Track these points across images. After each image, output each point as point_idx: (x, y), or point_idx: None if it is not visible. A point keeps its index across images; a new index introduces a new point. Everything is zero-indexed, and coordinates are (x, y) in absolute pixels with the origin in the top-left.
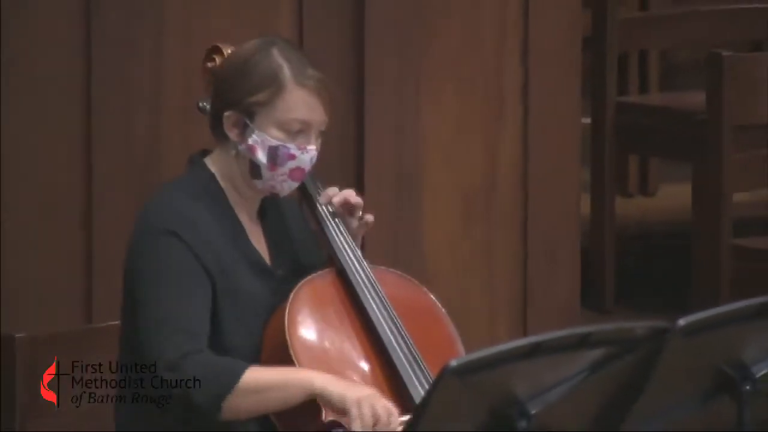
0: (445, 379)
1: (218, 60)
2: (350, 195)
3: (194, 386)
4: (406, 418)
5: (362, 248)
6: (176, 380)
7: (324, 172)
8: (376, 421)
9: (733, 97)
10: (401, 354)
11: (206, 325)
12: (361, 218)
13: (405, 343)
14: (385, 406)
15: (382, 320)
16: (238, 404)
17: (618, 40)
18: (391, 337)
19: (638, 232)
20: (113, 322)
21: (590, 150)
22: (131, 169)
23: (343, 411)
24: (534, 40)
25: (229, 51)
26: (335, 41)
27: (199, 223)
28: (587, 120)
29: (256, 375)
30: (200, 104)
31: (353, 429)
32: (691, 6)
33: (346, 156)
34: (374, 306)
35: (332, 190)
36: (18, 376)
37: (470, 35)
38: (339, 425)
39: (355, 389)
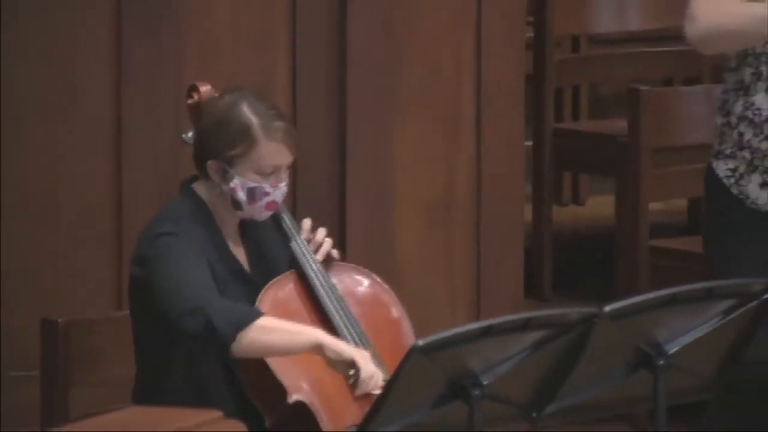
0: (412, 355)
1: (196, 97)
2: (329, 247)
3: (218, 318)
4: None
5: (345, 252)
6: (203, 319)
7: (314, 188)
8: (372, 373)
9: (649, 124)
10: (349, 335)
11: (214, 285)
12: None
13: (352, 325)
14: (375, 367)
15: (334, 310)
16: (252, 338)
17: (555, 77)
18: (340, 322)
19: (571, 235)
20: None
21: (532, 167)
22: (158, 170)
23: (349, 361)
24: (486, 76)
25: (204, 89)
26: (324, 81)
27: (193, 235)
28: (529, 143)
29: (272, 319)
30: (183, 136)
31: (360, 377)
32: (614, 49)
33: (332, 175)
34: (328, 298)
35: (306, 224)
36: (60, 357)
37: (433, 72)
38: (303, 406)
39: (352, 348)
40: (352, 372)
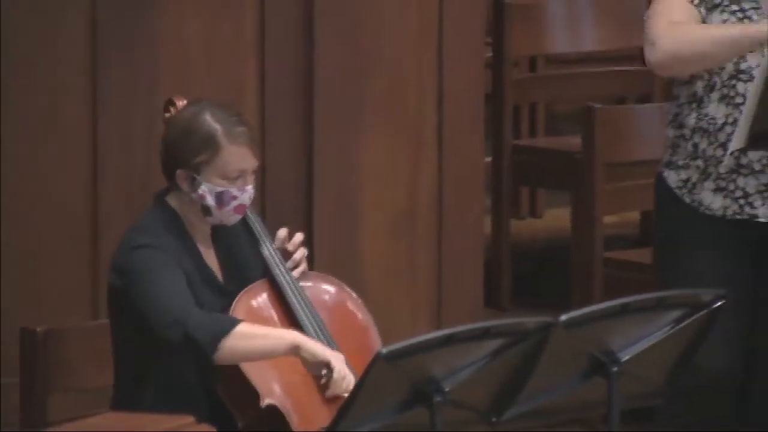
0: (377, 362)
1: (173, 110)
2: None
3: (198, 330)
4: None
5: (312, 260)
6: (183, 331)
7: (281, 199)
8: (345, 375)
9: (603, 141)
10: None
11: (191, 296)
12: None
13: (321, 331)
14: (347, 369)
15: (304, 316)
16: (232, 346)
17: (513, 95)
18: (311, 328)
19: (529, 247)
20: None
21: (491, 182)
22: (132, 184)
23: (324, 362)
24: (447, 94)
25: (180, 103)
26: (291, 95)
27: (168, 247)
28: (489, 158)
29: (249, 325)
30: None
31: (333, 377)
32: (569, 69)
33: (299, 186)
34: (299, 304)
35: (282, 233)
36: (38, 365)
37: (397, 89)
38: (275, 409)
39: (328, 350)
40: (325, 372)
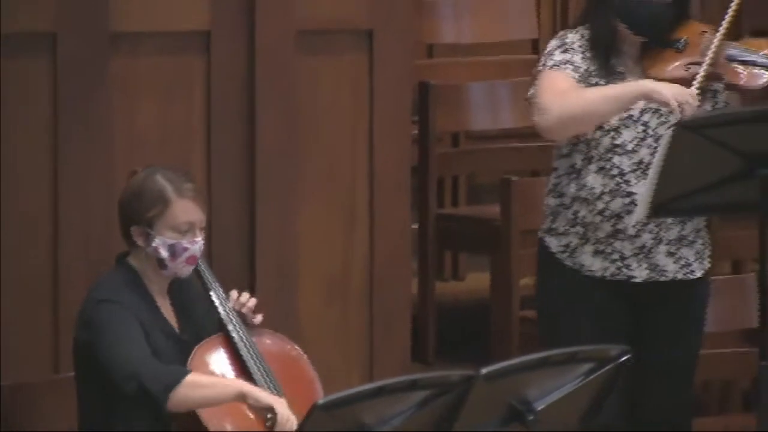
0: (314, 412)
1: None
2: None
3: (151, 381)
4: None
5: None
6: (137, 382)
7: (227, 265)
8: (288, 418)
9: (519, 210)
10: (268, 390)
11: (148, 349)
12: (253, 318)
13: (271, 382)
14: (290, 412)
15: (255, 367)
16: (182, 396)
17: (437, 168)
18: (261, 378)
19: (452, 306)
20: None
21: (418, 247)
22: (90, 246)
23: (267, 407)
24: (377, 168)
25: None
26: (236, 170)
27: (129, 303)
28: (415, 225)
29: (198, 375)
30: None
31: (277, 420)
32: (489, 144)
33: (243, 253)
34: (250, 357)
35: (233, 294)
36: (4, 419)
37: (332, 164)
38: None
39: (272, 396)
40: (270, 416)
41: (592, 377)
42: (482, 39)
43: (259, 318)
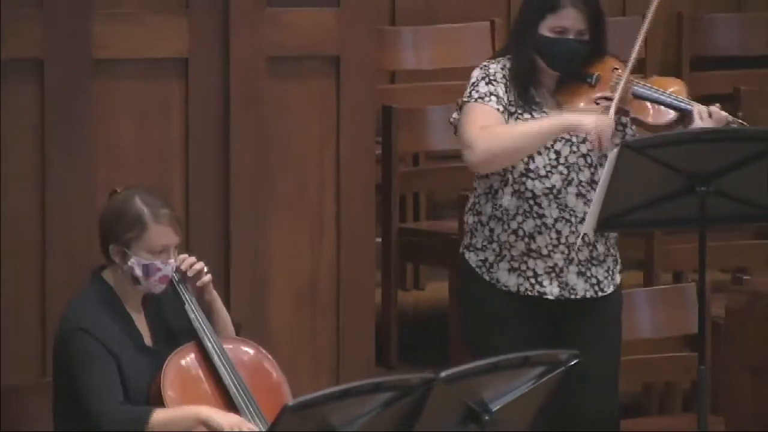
0: (284, 414)
1: None
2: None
3: (119, 425)
4: None
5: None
6: (108, 425)
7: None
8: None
9: None
10: (239, 395)
11: (119, 387)
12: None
13: (241, 387)
14: (249, 427)
15: (225, 373)
16: None
17: (399, 186)
18: (231, 384)
19: (414, 314)
20: None
21: (381, 259)
22: (74, 257)
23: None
24: (343, 185)
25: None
26: (212, 188)
27: (101, 321)
28: (379, 239)
29: (162, 413)
30: None
31: None
32: (447, 163)
33: (218, 265)
34: (222, 364)
35: (184, 258)
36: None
37: (302, 182)
38: None
39: (229, 417)
40: None
41: (543, 380)
42: (440, 65)
43: (208, 278)
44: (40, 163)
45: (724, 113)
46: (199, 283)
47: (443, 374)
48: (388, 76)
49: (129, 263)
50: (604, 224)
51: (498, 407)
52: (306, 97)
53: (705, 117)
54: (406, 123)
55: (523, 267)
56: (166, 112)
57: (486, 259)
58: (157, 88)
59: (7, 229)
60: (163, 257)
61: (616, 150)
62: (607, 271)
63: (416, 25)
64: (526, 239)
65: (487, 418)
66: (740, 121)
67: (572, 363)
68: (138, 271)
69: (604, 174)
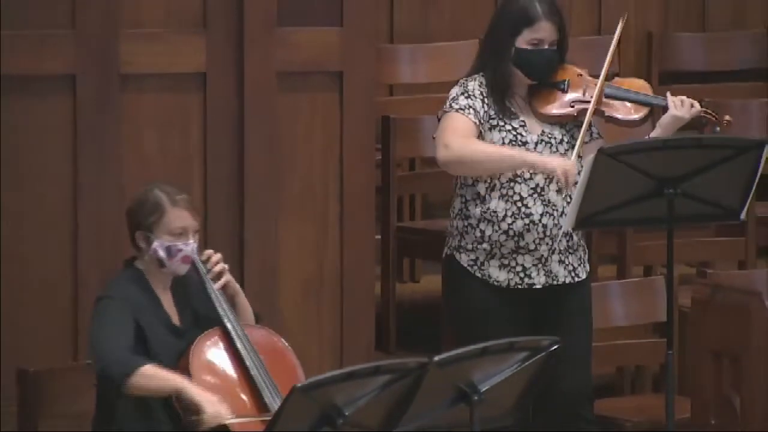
0: (294, 394)
1: None
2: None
3: (114, 365)
4: (233, 419)
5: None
6: (103, 365)
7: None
8: (216, 415)
9: None
10: (259, 376)
11: (130, 339)
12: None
13: (261, 369)
14: (222, 410)
15: (248, 356)
16: (134, 383)
17: (397, 188)
18: (253, 366)
19: (410, 304)
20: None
21: (381, 254)
22: (104, 250)
23: (197, 406)
24: (347, 188)
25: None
26: (227, 191)
27: (129, 292)
28: (379, 236)
29: (151, 369)
30: None
31: (203, 417)
32: (439, 168)
33: (233, 259)
34: (244, 347)
35: (210, 253)
36: (31, 397)
37: (309, 184)
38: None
39: (207, 395)
40: (196, 417)
41: (526, 364)
42: (434, 79)
43: (224, 280)
44: (73, 168)
45: (689, 101)
46: (216, 286)
47: (437, 358)
48: (386, 89)
49: (153, 246)
50: (581, 223)
51: (486, 388)
52: (312, 108)
53: (678, 106)
54: (403, 131)
55: (513, 263)
56: (186, 122)
57: (477, 258)
58: (178, 100)
59: (43, 226)
60: (183, 239)
61: (592, 156)
62: (580, 259)
63: (412, 43)
64: (516, 238)
65: (476, 398)
66: (710, 112)
67: (553, 348)
68: (162, 253)
69: (581, 177)
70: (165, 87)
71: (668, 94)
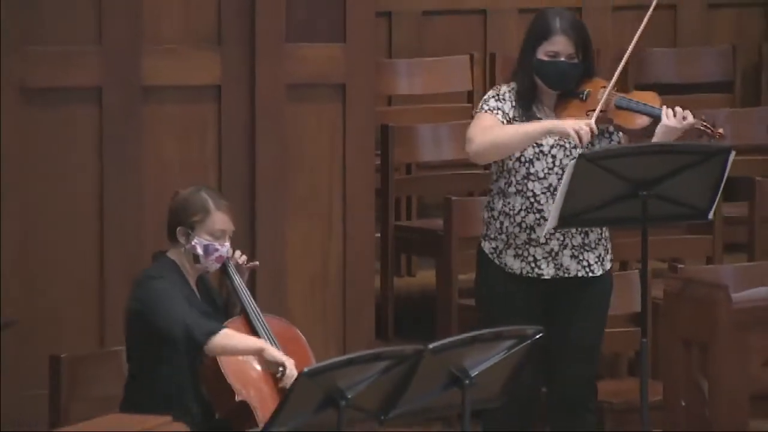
0: (301, 378)
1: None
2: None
3: (196, 327)
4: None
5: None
6: (184, 326)
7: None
8: (294, 373)
9: (458, 223)
10: None
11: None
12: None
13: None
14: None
15: (266, 339)
16: (217, 342)
17: (395, 191)
18: None
19: (406, 296)
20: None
21: (380, 251)
22: (127, 246)
23: (280, 363)
24: (349, 190)
25: (182, 191)
26: (240, 192)
27: (171, 276)
28: (378, 234)
29: (231, 331)
30: None
31: (286, 373)
32: (434, 172)
33: (247, 254)
34: (265, 336)
35: (237, 253)
36: (63, 382)
37: (314, 186)
38: (245, 404)
39: (284, 355)
40: (281, 369)
41: (513, 351)
42: (429, 91)
43: (252, 264)
44: (98, 173)
45: (682, 112)
46: (243, 279)
47: (431, 346)
48: (385, 99)
49: (192, 243)
50: (563, 222)
51: (476, 373)
52: (318, 117)
53: (670, 116)
54: (401, 138)
55: (525, 254)
56: (203, 131)
57: (496, 247)
58: (195, 111)
59: (72, 226)
60: (221, 241)
61: (573, 160)
62: (598, 257)
63: (409, 58)
64: (528, 230)
65: (467, 382)
66: (707, 125)
67: (537, 337)
68: (199, 250)
69: (563, 180)
70: (183, 98)
71: (663, 108)
